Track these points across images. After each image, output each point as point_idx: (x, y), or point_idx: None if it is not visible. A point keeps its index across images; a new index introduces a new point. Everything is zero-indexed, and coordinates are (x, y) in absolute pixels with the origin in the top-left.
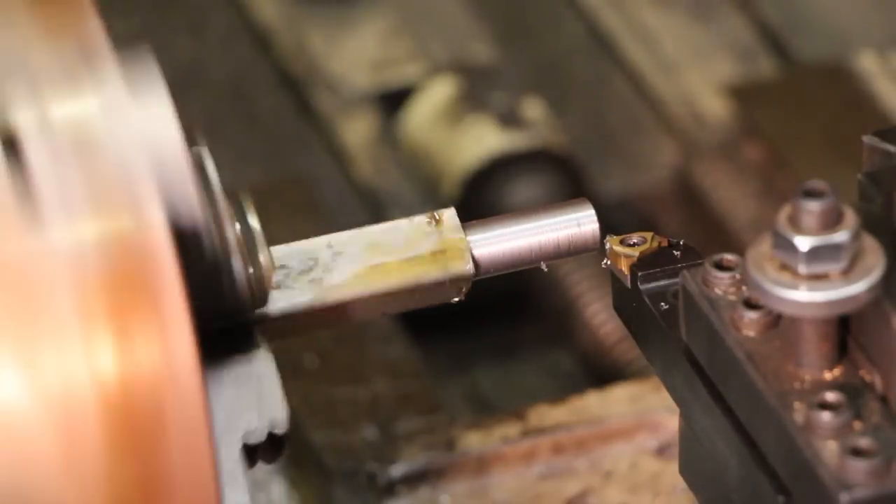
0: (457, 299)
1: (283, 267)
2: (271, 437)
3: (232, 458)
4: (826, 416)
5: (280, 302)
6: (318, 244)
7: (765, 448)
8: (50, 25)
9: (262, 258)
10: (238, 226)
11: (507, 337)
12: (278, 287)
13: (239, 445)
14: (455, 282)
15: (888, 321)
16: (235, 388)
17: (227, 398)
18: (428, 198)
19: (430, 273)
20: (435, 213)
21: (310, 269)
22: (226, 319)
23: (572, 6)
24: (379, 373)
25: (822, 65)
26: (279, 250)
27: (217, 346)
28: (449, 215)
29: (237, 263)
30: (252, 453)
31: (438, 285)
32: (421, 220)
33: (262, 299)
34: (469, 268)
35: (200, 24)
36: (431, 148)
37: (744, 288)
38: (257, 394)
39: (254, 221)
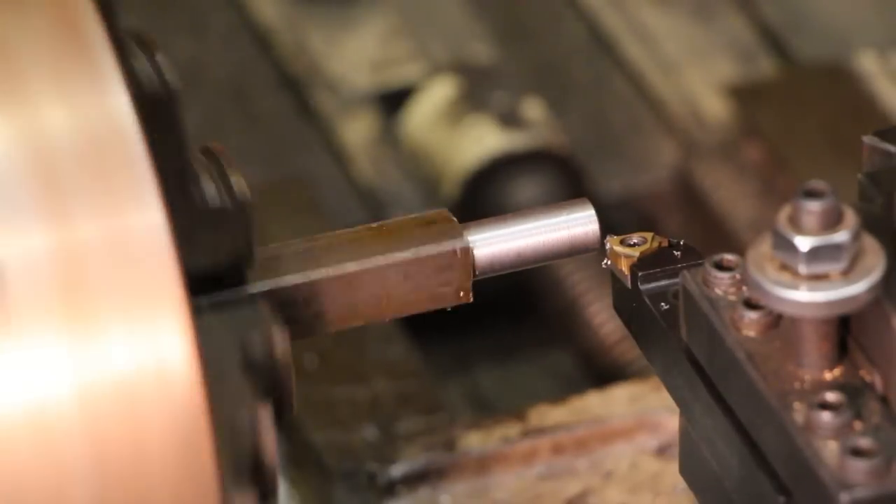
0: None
1: (276, 257)
2: (270, 359)
3: (232, 369)
4: (826, 416)
5: (273, 280)
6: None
7: (765, 448)
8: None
9: (235, 181)
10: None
11: (507, 337)
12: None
13: (237, 357)
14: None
15: (888, 321)
16: (230, 317)
17: (220, 325)
18: (428, 198)
19: (425, 244)
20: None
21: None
22: (212, 254)
23: (572, 6)
24: (379, 373)
25: (822, 65)
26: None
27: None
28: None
29: (207, 184)
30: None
31: (439, 259)
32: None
33: (246, 230)
34: (467, 240)
35: (200, 24)
36: (431, 148)
37: (744, 288)
38: (252, 319)
39: (224, 160)
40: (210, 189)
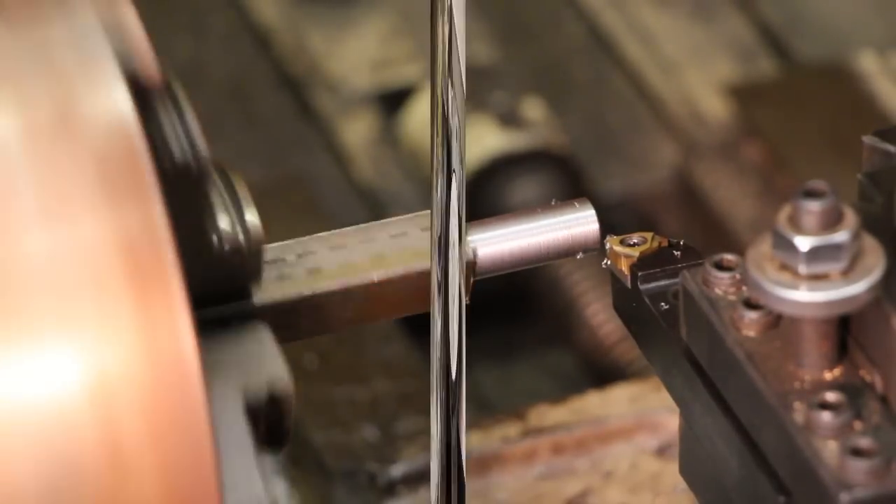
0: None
1: (279, 260)
2: (272, 399)
3: (236, 419)
4: (826, 416)
5: (277, 291)
6: (313, 239)
7: (765, 448)
8: None
9: (250, 217)
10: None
11: (507, 337)
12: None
13: (241, 403)
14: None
15: (888, 321)
16: (234, 349)
17: (225, 360)
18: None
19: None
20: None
21: (306, 260)
22: (220, 290)
23: (572, 6)
24: (379, 373)
25: (822, 65)
26: (274, 247)
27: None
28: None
29: (223, 220)
30: (255, 420)
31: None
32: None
33: (256, 265)
34: (467, 241)
35: (200, 24)
36: None
37: (744, 288)
38: (257, 356)
39: (241, 190)
40: (225, 224)
